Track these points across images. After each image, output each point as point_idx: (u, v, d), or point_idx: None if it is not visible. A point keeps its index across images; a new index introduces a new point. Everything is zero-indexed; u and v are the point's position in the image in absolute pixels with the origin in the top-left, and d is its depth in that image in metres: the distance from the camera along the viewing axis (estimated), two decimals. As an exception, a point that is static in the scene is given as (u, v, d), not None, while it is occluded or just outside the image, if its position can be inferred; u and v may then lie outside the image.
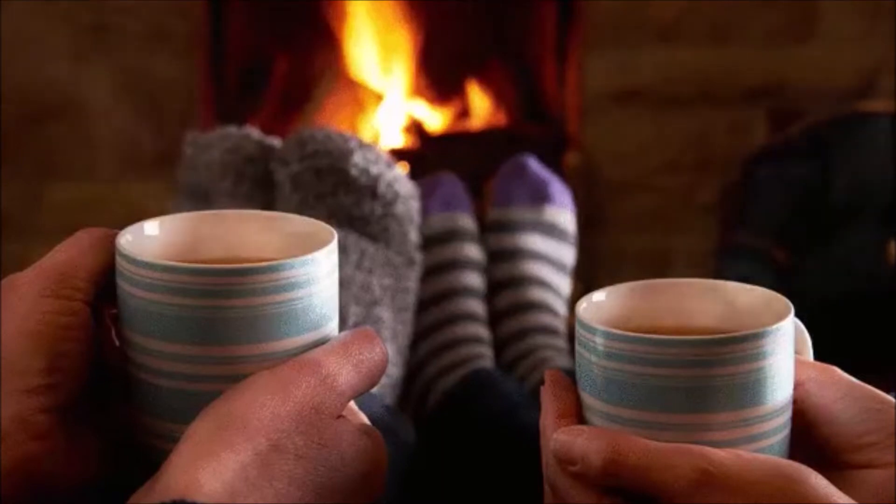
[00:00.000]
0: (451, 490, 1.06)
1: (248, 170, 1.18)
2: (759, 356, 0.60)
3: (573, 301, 1.23)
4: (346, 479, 0.60)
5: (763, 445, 0.61)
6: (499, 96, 2.21)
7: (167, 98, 2.10)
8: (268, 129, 1.25)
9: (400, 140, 2.17)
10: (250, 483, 0.56)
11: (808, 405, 0.63)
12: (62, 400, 0.61)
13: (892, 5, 2.10)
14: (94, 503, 0.63)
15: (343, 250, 1.12)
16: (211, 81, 2.14)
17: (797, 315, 0.63)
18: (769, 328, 0.61)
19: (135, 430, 0.63)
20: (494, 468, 1.03)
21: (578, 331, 0.63)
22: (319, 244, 0.63)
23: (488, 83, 2.21)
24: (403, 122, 2.18)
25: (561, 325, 1.30)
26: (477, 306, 1.28)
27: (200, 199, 1.19)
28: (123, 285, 0.62)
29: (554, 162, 1.82)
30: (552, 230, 1.33)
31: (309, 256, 0.62)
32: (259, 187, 1.18)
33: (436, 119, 2.20)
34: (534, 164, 1.36)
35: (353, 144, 1.16)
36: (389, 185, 1.17)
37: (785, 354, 0.62)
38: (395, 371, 1.16)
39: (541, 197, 1.33)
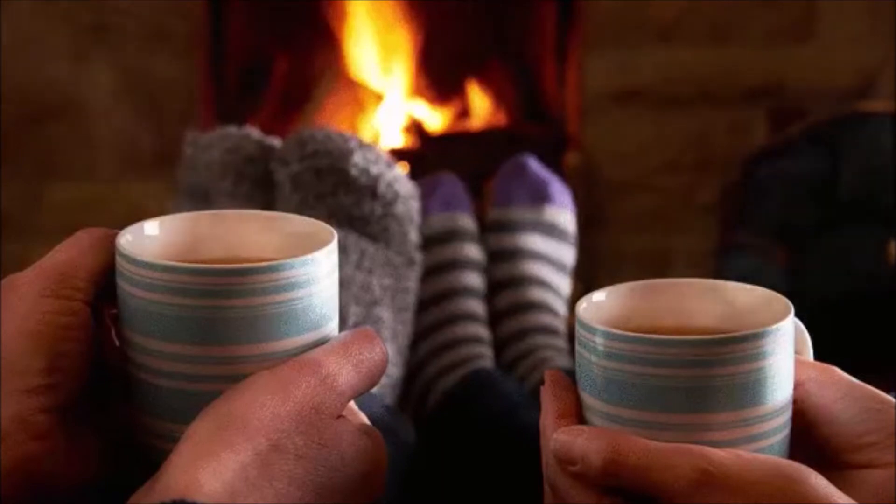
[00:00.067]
0: (451, 490, 1.06)
1: (248, 170, 1.18)
2: (759, 356, 0.60)
3: (573, 301, 1.23)
4: (346, 479, 0.60)
5: (763, 445, 0.61)
6: (499, 96, 2.21)
7: (167, 98, 2.10)
8: (268, 129, 1.25)
9: (400, 140, 2.17)
10: (250, 483, 0.56)
11: (808, 405, 0.63)
12: (62, 400, 0.61)
13: (892, 5, 2.10)
14: (94, 503, 0.63)
15: (343, 250, 1.12)
16: (211, 81, 2.14)
17: (797, 315, 0.63)
18: (769, 328, 0.61)
19: (135, 430, 0.63)
20: (494, 468, 1.03)
21: (578, 331, 0.63)
22: (319, 244, 0.63)
23: (488, 83, 2.21)
24: (403, 122, 2.18)
25: (561, 325, 1.30)
26: (477, 306, 1.28)
27: (200, 199, 1.19)
28: (123, 285, 0.62)
29: (554, 162, 1.82)
30: (552, 230, 1.33)
31: (309, 256, 0.62)
32: (259, 187, 1.18)
33: (436, 119, 2.20)
34: (534, 164, 1.36)
35: (353, 144, 1.16)
36: (389, 185, 1.17)
37: (785, 354, 0.62)
38: (395, 371, 1.16)
39: (541, 197, 1.33)
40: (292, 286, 0.61)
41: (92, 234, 0.64)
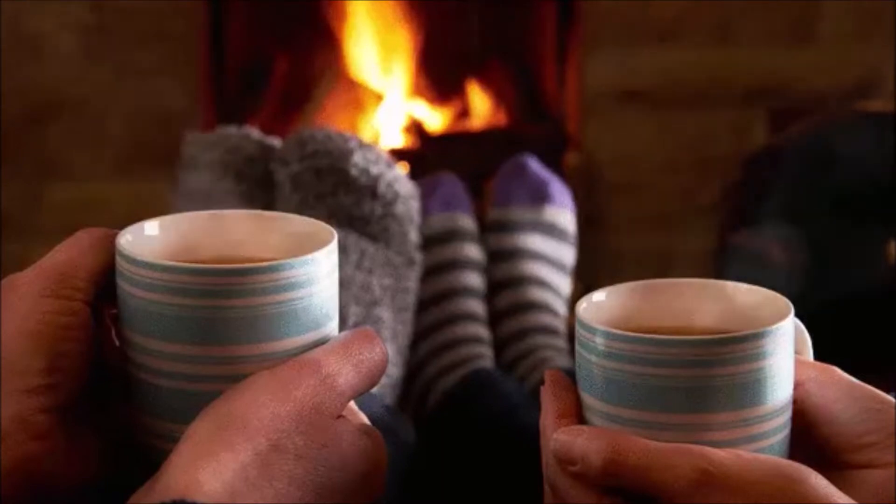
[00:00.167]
0: (451, 490, 1.06)
1: (248, 170, 1.18)
2: (759, 356, 0.60)
3: (573, 301, 1.23)
4: (346, 479, 0.60)
5: (763, 445, 0.61)
6: (499, 96, 2.21)
7: (167, 98, 2.10)
8: (268, 129, 1.25)
9: (400, 140, 2.17)
10: (250, 483, 0.56)
11: (808, 405, 0.63)
12: (62, 400, 0.61)
13: (892, 5, 2.10)
14: (94, 503, 0.63)
15: (343, 250, 1.12)
16: (211, 81, 2.14)
17: (797, 315, 0.63)
18: (769, 328, 0.61)
19: (135, 430, 0.63)
20: (494, 468, 1.03)
21: (578, 331, 0.63)
22: (319, 244, 0.63)
23: (488, 83, 2.21)
24: (403, 122, 2.18)
25: (561, 325, 1.30)
26: (477, 306, 1.28)
27: (200, 199, 1.19)
28: (123, 285, 0.62)
29: (554, 162, 1.82)
30: (552, 230, 1.33)
31: (309, 256, 0.62)
32: (259, 187, 1.18)
33: (436, 119, 2.20)
34: (534, 164, 1.36)
35: (353, 144, 1.16)
36: (389, 185, 1.17)
37: (785, 354, 0.62)
38: (395, 371, 1.16)
39: (541, 197, 1.33)
40: (292, 286, 0.61)
41: (92, 234, 0.64)
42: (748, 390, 0.60)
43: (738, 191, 2.09)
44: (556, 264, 1.33)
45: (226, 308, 0.60)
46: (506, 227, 1.32)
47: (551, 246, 1.33)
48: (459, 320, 1.26)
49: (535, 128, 2.21)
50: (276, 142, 1.20)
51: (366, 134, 2.13)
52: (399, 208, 1.17)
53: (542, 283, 1.30)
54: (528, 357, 1.26)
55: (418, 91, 2.20)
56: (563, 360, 1.24)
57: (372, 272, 1.15)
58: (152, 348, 0.61)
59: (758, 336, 0.60)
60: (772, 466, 0.58)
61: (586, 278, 1.64)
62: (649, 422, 0.60)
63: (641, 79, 2.13)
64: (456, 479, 1.06)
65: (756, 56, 2.12)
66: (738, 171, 2.10)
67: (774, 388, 0.61)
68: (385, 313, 1.15)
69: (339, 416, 0.61)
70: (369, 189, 1.16)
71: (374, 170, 1.16)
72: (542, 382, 0.65)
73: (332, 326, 0.63)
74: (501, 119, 2.21)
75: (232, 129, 1.21)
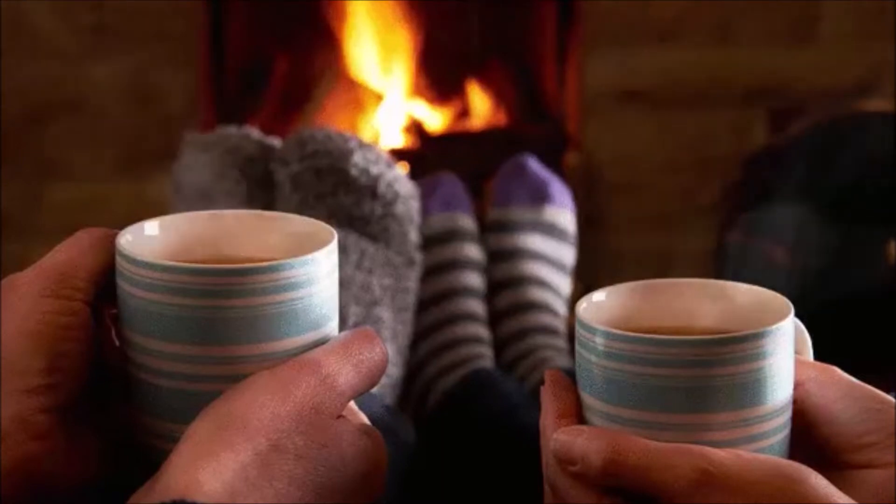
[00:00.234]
0: (451, 490, 1.06)
1: (248, 170, 1.18)
2: (759, 356, 0.60)
3: (573, 301, 1.23)
4: (346, 479, 0.60)
5: (763, 445, 0.61)
6: (499, 96, 2.21)
7: (167, 98, 2.10)
8: (268, 129, 1.25)
9: (400, 140, 2.17)
10: (250, 483, 0.56)
11: (808, 405, 0.63)
12: (62, 400, 0.61)
13: (892, 5, 2.10)
14: (94, 503, 0.63)
15: (343, 250, 1.12)
16: (211, 81, 2.14)
17: (797, 315, 0.63)
18: (769, 328, 0.61)
19: (135, 430, 0.63)
20: (494, 468, 1.03)
21: (578, 331, 0.63)
22: (319, 244, 0.63)
23: (488, 83, 2.21)
24: (403, 122, 2.18)
25: (561, 325, 1.30)
26: (477, 306, 1.28)
27: (200, 199, 1.19)
28: (123, 285, 0.62)
29: (554, 162, 1.82)
30: (552, 230, 1.33)
31: (309, 256, 0.62)
32: (259, 187, 1.18)
33: (436, 119, 2.20)
34: (534, 164, 1.36)
35: (353, 144, 1.16)
36: (389, 185, 1.17)
37: (785, 354, 0.62)
38: (395, 371, 1.16)
39: (541, 197, 1.33)
40: (292, 286, 0.61)
41: (92, 234, 0.64)
42: (748, 390, 0.60)
43: (738, 191, 2.09)
44: (556, 264, 1.33)
45: (226, 308, 0.60)
46: (506, 227, 1.32)
47: (551, 246, 1.33)
48: (459, 320, 1.26)
49: (535, 128, 2.21)
50: (276, 142, 1.20)
51: (366, 134, 2.13)
52: (399, 208, 1.17)
53: (542, 283, 1.30)
54: (528, 357, 1.26)
55: (418, 91, 2.20)
56: (563, 360, 1.24)
57: (372, 272, 1.15)
58: (152, 348, 0.61)
59: (758, 336, 0.60)
60: (772, 466, 0.58)
61: (586, 278, 1.64)
62: (649, 422, 0.60)
63: (641, 79, 2.13)
64: (456, 479, 1.06)
65: (756, 56, 2.12)
66: (738, 171, 2.10)
67: (774, 388, 0.61)
68: (385, 313, 1.15)
69: (339, 416, 0.61)
70: (369, 189, 1.16)
71: (374, 170, 1.16)
72: (542, 382, 0.65)
73: (332, 326, 0.63)
74: (501, 119, 2.21)
75: (232, 129, 1.21)
